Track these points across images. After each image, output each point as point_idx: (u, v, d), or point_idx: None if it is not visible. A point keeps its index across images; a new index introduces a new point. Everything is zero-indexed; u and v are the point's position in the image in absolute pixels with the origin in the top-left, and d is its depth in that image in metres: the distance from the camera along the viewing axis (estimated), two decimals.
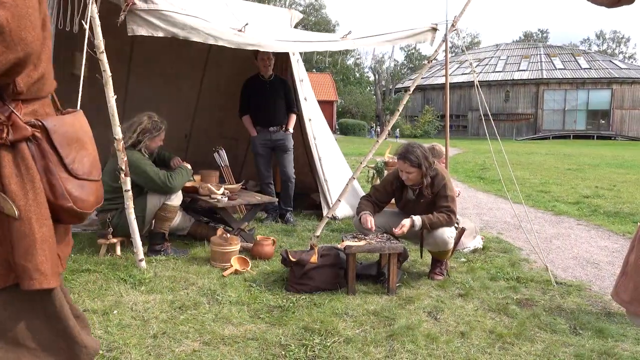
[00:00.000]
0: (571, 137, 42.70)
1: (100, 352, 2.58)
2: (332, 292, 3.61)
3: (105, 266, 3.93)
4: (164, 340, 2.77)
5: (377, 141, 5.06)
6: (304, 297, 3.50)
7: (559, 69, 46.11)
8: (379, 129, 46.06)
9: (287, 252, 3.72)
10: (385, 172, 6.52)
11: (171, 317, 3.08)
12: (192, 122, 8.20)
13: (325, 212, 6.24)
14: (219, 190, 4.83)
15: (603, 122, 44.25)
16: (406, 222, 3.77)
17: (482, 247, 5.27)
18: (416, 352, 2.79)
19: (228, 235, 4.21)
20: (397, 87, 51.63)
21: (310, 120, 6.38)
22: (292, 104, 6.06)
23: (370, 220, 3.81)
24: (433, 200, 3.90)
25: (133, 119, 4.21)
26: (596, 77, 43.99)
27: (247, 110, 5.94)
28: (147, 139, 4.22)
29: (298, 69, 6.30)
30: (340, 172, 6.72)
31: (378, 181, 6.63)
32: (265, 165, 6.03)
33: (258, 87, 5.89)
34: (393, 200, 4.25)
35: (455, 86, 48.56)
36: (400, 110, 4.90)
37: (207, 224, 5.44)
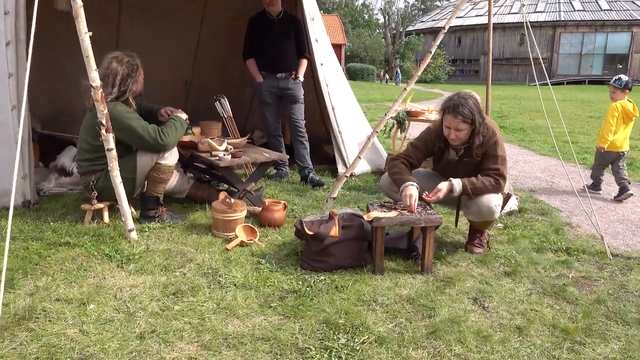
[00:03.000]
0: (586, 82, 41.24)
1: None
2: (355, 271, 3.04)
3: (89, 238, 3.37)
4: (153, 343, 2.22)
5: (405, 89, 4.36)
6: (322, 277, 2.93)
7: (577, 10, 44.06)
8: (387, 75, 44.59)
9: (302, 222, 3.13)
10: (407, 123, 5.86)
11: (163, 307, 2.53)
12: (192, 66, 7.49)
13: (340, 167, 5.63)
14: (221, 145, 4.20)
15: (620, 66, 42.58)
16: (443, 187, 3.14)
17: (517, 209, 4.68)
18: (466, 357, 2.23)
19: (232, 200, 3.61)
20: (407, 29, 49.71)
21: (322, 64, 5.64)
22: (303, 47, 5.30)
23: (414, 197, 3.09)
24: (480, 161, 3.25)
25: (101, 71, 3.48)
26: (616, 19, 42.05)
27: (252, 54, 5.20)
28: (132, 84, 3.55)
29: (309, 5, 5.51)
30: (356, 122, 6.05)
31: (399, 133, 5.98)
32: (273, 116, 5.35)
33: (265, 27, 5.14)
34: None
35: (467, 29, 46.71)
36: (433, 51, 4.17)
37: (208, 183, 4.85)
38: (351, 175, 5.29)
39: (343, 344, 2.27)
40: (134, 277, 2.85)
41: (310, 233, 3.04)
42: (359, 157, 4.41)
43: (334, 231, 3.06)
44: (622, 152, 5.44)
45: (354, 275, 2.98)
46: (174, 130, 3.64)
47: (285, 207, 3.94)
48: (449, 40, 45.92)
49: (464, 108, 3.08)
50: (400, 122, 5.69)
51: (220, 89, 7.61)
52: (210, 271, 2.97)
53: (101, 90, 3.06)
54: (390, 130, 5.87)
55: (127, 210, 3.36)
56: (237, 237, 3.43)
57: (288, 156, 4.65)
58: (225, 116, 5.03)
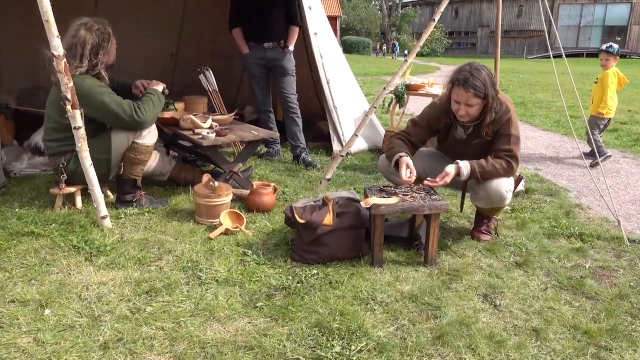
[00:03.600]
0: (584, 55, 40.67)
1: None
2: (351, 263, 2.74)
3: (57, 226, 3.04)
4: (117, 354, 1.92)
5: (406, 60, 4.00)
6: (315, 271, 2.64)
7: None
8: (384, 47, 43.81)
9: (293, 208, 2.82)
10: (405, 97, 5.51)
11: (134, 309, 2.23)
12: (178, 37, 7.06)
13: (334, 145, 5.30)
14: (205, 122, 3.85)
15: (619, 38, 41.96)
16: (450, 170, 2.82)
17: (524, 189, 4.38)
18: None
19: (215, 183, 3.28)
20: (404, 1, 48.73)
21: (315, 34, 5.25)
22: (294, 14, 4.90)
23: (410, 170, 2.84)
24: (490, 140, 2.93)
25: (68, 40, 3.10)
26: None
27: (238, 22, 4.81)
28: (103, 56, 3.18)
29: None
30: (352, 96, 5.69)
31: (397, 108, 5.63)
32: (262, 90, 4.99)
33: None
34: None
35: (465, 0, 45.79)
36: (437, 19, 3.78)
37: (193, 163, 4.52)
38: (347, 154, 4.97)
39: (337, 352, 1.98)
40: (103, 272, 2.54)
41: (302, 221, 2.73)
42: (356, 135, 4.08)
43: (328, 219, 2.75)
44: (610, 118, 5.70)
45: (349, 268, 2.68)
46: (151, 105, 3.28)
47: (275, 190, 3.62)
48: (445, 12, 44.93)
49: (476, 80, 2.73)
50: (399, 97, 5.34)
51: (208, 62, 7.23)
52: (190, 264, 2.66)
53: (64, 60, 2.69)
54: (389, 105, 5.52)
55: (100, 196, 3.04)
56: (221, 224, 3.12)
57: (279, 134, 4.30)
58: (211, 90, 4.66)
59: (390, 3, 48.80)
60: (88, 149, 3.04)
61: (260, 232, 3.15)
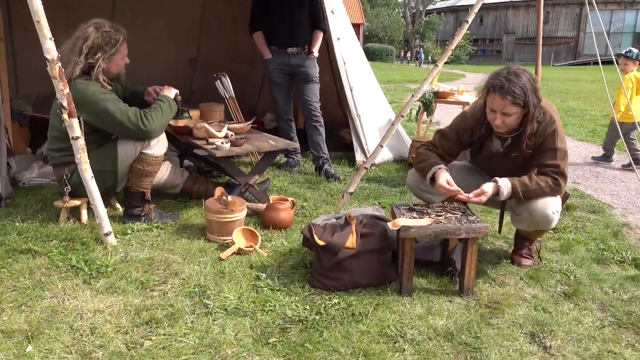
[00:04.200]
0: (614, 62, 39.62)
1: None
2: (377, 291, 2.44)
3: (57, 243, 2.82)
4: None
5: (437, 65, 3.69)
6: (335, 299, 2.35)
7: None
8: (409, 54, 43.40)
9: (312, 228, 2.53)
10: (433, 105, 5.20)
11: (130, 343, 1.96)
12: (198, 42, 6.87)
13: (357, 155, 5.02)
14: (220, 131, 3.61)
15: None
16: (487, 189, 2.51)
17: (565, 206, 4.02)
18: None
19: (228, 197, 3.02)
20: (427, 8, 48.33)
21: (338, 39, 5.00)
22: (318, 18, 4.64)
23: (451, 183, 2.56)
24: (532, 154, 2.61)
25: (75, 34, 2.91)
26: None
27: (259, 26, 4.57)
28: (102, 60, 2.95)
29: None
30: (376, 104, 5.41)
31: (425, 116, 5.32)
32: (284, 97, 4.73)
33: None
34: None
35: (489, 7, 45.20)
36: (470, 20, 3.48)
37: (208, 174, 4.28)
38: (371, 165, 4.67)
39: None
40: (101, 297, 2.29)
41: (322, 243, 2.44)
42: (381, 146, 3.79)
43: (351, 241, 2.46)
44: (635, 122, 5.52)
45: (375, 298, 2.38)
46: (159, 113, 3.04)
47: (293, 205, 3.35)
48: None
49: (515, 86, 2.41)
50: (427, 104, 5.03)
51: (228, 67, 7.02)
52: (197, 289, 2.40)
53: (59, 64, 2.46)
54: (417, 113, 5.21)
55: (102, 211, 2.80)
56: (233, 243, 2.85)
57: (298, 144, 4.02)
58: (228, 97, 4.42)
59: (414, 10, 48.43)
60: (89, 160, 2.82)
61: (276, 252, 2.88)
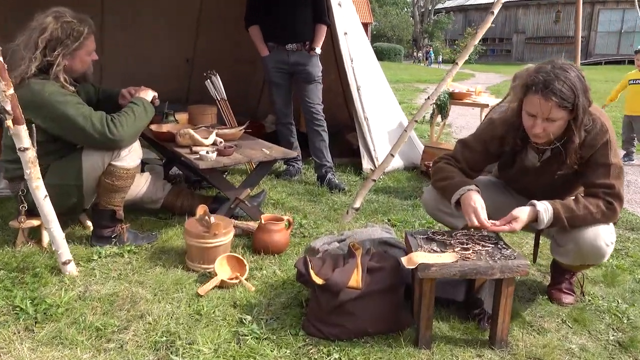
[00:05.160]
0: (626, 62, 38.87)
1: None
2: (387, 341, 1.97)
3: (6, 273, 2.36)
4: None
5: (457, 63, 3.20)
6: (336, 353, 1.88)
7: None
8: (420, 54, 42.79)
9: (307, 261, 2.06)
10: (448, 107, 4.72)
11: None
12: (195, 40, 6.42)
13: (364, 162, 4.55)
14: (207, 138, 3.15)
15: None
16: (521, 215, 2.02)
17: None
18: None
19: (212, 218, 2.56)
20: (437, 7, 47.70)
21: (345, 34, 4.53)
22: (322, 10, 4.16)
23: (480, 210, 2.02)
24: (577, 170, 2.12)
25: (31, 25, 2.46)
26: None
27: (256, 19, 4.11)
28: (62, 56, 2.49)
29: None
30: (386, 106, 4.93)
31: (439, 119, 4.83)
32: (283, 99, 4.26)
33: None
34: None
35: None
36: (495, 13, 3.01)
37: (197, 185, 3.84)
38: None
39: None
40: (42, 352, 1.83)
41: (320, 281, 1.97)
42: (392, 155, 3.31)
43: (355, 279, 1.99)
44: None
45: (385, 350, 1.91)
46: (131, 118, 2.58)
47: (289, 224, 2.88)
48: (480, 18, 43.78)
49: (562, 85, 1.92)
50: (441, 107, 4.55)
51: (229, 67, 6.55)
52: (164, 339, 1.93)
53: (1, 59, 2.01)
54: (431, 116, 4.73)
55: (60, 235, 2.35)
56: (215, 273, 2.39)
57: (296, 153, 3.53)
58: (219, 98, 3.95)
59: (422, 10, 47.82)
60: (49, 173, 2.38)
61: (266, 285, 2.41)
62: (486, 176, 2.58)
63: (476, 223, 1.98)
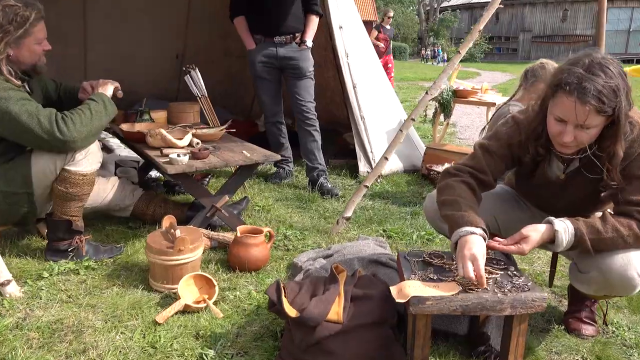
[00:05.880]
0: (634, 61, 38.34)
1: None
2: None
3: None
4: None
5: (459, 52, 2.86)
6: None
7: None
8: (429, 52, 42.34)
9: (280, 288, 1.73)
10: (452, 105, 4.38)
11: None
12: (184, 36, 6.09)
13: (361, 165, 4.23)
14: (182, 139, 2.83)
15: None
16: (533, 233, 1.67)
17: None
18: None
19: (177, 232, 2.24)
20: (442, 5, 47.28)
21: (341, 28, 4.21)
22: (313, 1, 3.84)
23: (479, 263, 1.54)
24: (609, 184, 1.75)
25: None
26: None
27: (242, 9, 3.78)
28: (4, 45, 2.17)
29: None
30: (385, 105, 4.60)
31: (442, 118, 4.50)
32: (271, 96, 3.93)
33: None
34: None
35: (505, 4, 44.00)
36: (494, 8, 2.67)
37: (175, 189, 3.52)
38: (376, 177, 3.86)
39: None
40: None
41: (294, 314, 1.64)
42: (386, 158, 2.97)
43: (336, 311, 1.65)
44: None
45: None
46: (86, 116, 2.26)
47: (270, 236, 2.55)
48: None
49: (603, 86, 1.55)
50: (445, 105, 4.21)
51: (220, 62, 6.24)
52: None
53: None
54: (433, 115, 4.39)
55: None
56: (179, 297, 2.06)
57: (280, 156, 3.16)
58: (200, 95, 3.63)
59: (428, 8, 47.39)
60: None
61: (237, 310, 2.08)
62: (502, 186, 2.23)
63: (471, 275, 1.54)
